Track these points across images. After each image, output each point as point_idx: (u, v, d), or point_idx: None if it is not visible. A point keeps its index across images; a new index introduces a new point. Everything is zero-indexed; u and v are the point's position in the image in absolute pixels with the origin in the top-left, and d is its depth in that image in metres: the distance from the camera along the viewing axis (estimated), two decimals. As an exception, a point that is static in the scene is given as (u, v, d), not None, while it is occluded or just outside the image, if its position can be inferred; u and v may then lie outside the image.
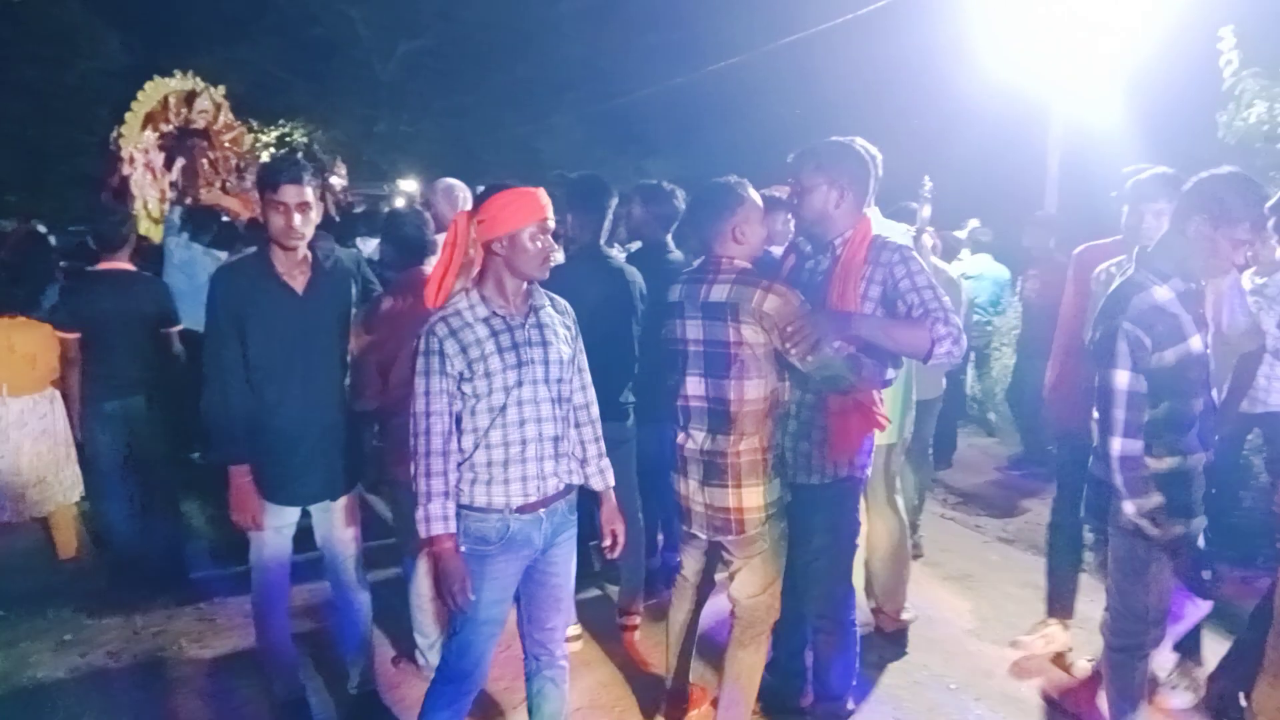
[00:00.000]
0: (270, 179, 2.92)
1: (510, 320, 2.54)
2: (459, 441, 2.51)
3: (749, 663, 3.02)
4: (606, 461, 2.83)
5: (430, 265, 3.75)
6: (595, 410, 2.80)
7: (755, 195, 2.94)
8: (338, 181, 11.83)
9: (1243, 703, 1.73)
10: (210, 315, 3.03)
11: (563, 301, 2.76)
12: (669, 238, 4.29)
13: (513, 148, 23.87)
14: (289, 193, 2.89)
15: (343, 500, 3.24)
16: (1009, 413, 7.76)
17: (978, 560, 4.73)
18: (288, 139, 22.46)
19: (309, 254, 3.08)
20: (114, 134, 10.90)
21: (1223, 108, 6.86)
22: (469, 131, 23.99)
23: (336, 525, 3.25)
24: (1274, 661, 1.57)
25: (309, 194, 2.93)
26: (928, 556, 5.14)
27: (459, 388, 2.48)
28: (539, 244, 2.49)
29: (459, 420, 2.51)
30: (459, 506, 2.53)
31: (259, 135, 20.06)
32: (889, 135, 4.09)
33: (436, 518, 2.47)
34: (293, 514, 3.19)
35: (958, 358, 2.72)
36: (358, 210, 10.86)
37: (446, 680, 2.64)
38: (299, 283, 3.06)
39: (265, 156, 17.63)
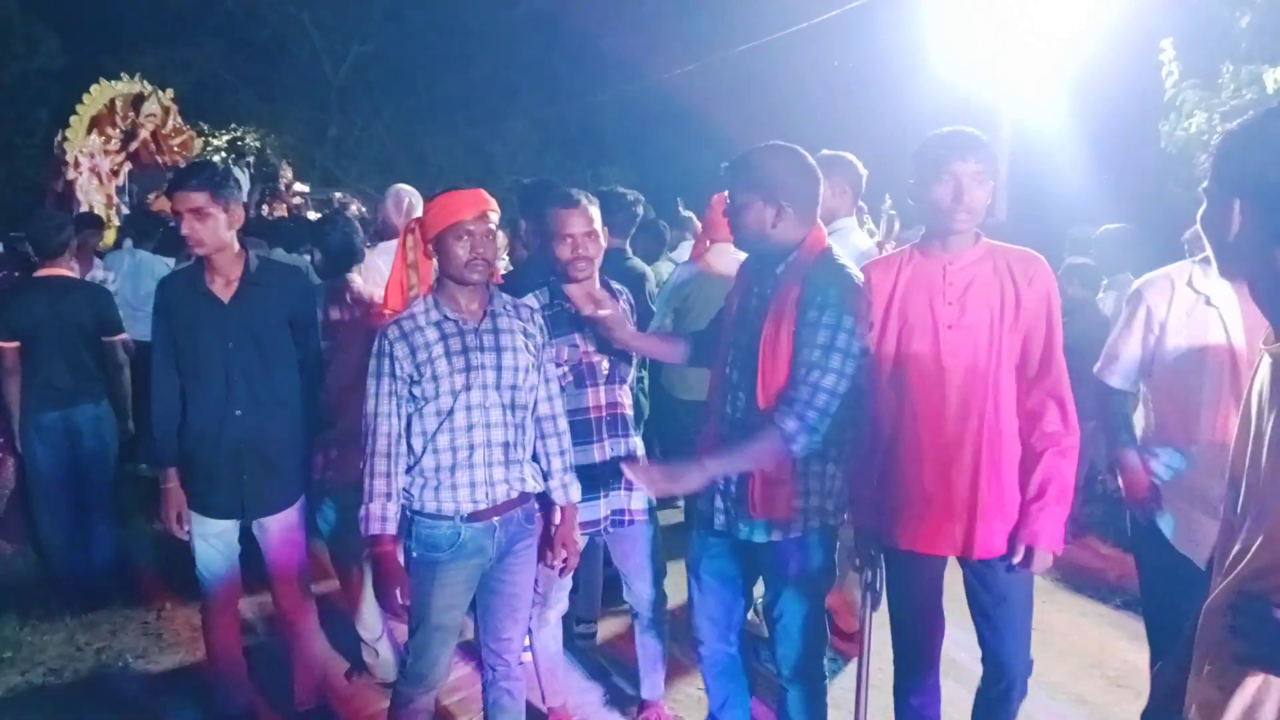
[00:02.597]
0: (169, 187, 2.98)
1: (463, 325, 2.55)
2: (409, 444, 2.54)
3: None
4: (572, 477, 2.77)
5: (358, 273, 3.71)
6: (564, 423, 2.75)
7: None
8: (299, 187, 11.69)
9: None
10: (153, 323, 3.09)
11: (529, 309, 2.74)
12: (627, 244, 4.29)
13: (466, 152, 23.73)
14: (179, 200, 2.89)
15: (277, 516, 3.13)
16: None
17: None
18: (239, 143, 22.09)
19: (244, 262, 3.02)
20: (58, 137, 10.66)
21: (1164, 117, 7.04)
22: (421, 136, 23.81)
23: (271, 541, 3.16)
24: (1199, 657, 1.61)
25: (199, 199, 2.87)
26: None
27: (409, 391, 2.51)
28: (462, 244, 2.47)
29: (409, 424, 2.53)
30: (412, 512, 2.55)
31: (209, 139, 19.71)
32: (842, 141, 4.13)
33: (375, 518, 2.50)
34: (223, 524, 3.10)
35: (799, 453, 2.38)
36: (312, 215, 10.70)
37: (406, 681, 2.67)
38: (226, 292, 3.00)
39: (216, 160, 17.34)
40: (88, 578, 4.45)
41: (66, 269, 4.40)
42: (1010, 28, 9.29)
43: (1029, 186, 9.22)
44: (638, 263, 4.29)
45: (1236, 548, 1.49)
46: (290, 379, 3.11)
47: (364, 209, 10.01)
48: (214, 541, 3.10)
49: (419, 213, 4.20)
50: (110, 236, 8.41)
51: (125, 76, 11.28)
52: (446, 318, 2.54)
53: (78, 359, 4.31)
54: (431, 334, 2.51)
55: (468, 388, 2.51)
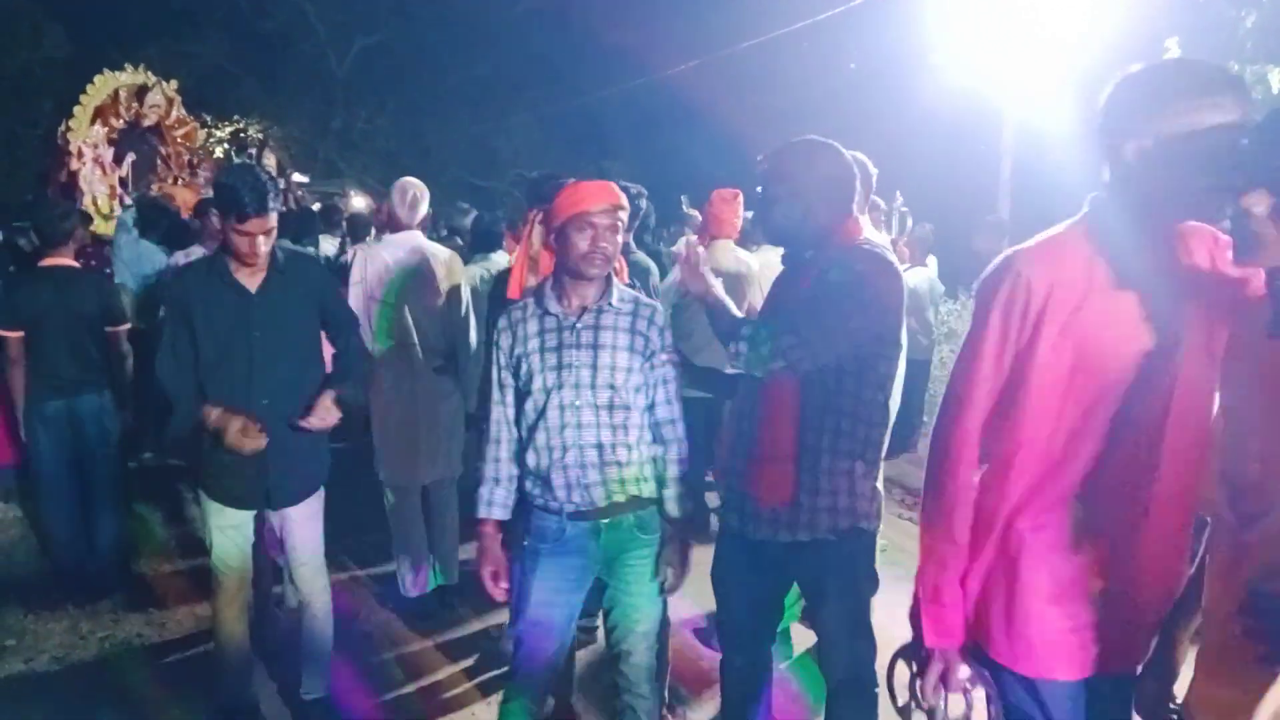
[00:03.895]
0: (236, 210, 2.81)
1: (563, 320, 2.47)
2: (519, 436, 2.54)
3: None
4: (682, 489, 2.57)
5: None
6: (678, 429, 2.57)
7: None
8: (298, 178, 11.66)
9: (1172, 704, 1.69)
10: (165, 314, 3.08)
11: (652, 307, 2.56)
12: (630, 238, 4.29)
13: (470, 147, 23.74)
14: (255, 224, 2.85)
15: (296, 507, 3.16)
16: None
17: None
18: (242, 135, 22.10)
19: (270, 253, 3.03)
20: (62, 127, 10.67)
21: (1168, 116, 7.02)
22: (426, 130, 23.81)
23: (291, 531, 3.19)
24: (1208, 660, 1.57)
25: (274, 220, 2.90)
26: (887, 556, 5.18)
27: (515, 381, 2.52)
28: (584, 236, 2.38)
29: (516, 418, 2.54)
30: (528, 502, 2.54)
31: (212, 130, 19.71)
32: (847, 139, 4.11)
33: (482, 500, 2.55)
34: (241, 515, 3.12)
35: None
36: (315, 207, 10.70)
37: (509, 676, 2.63)
38: (253, 282, 3.01)
39: (219, 152, 17.34)
40: (91, 566, 4.47)
41: (71, 258, 4.41)
42: (1016, 27, 9.27)
43: (1033, 186, 9.21)
44: (642, 257, 4.28)
45: (1232, 544, 1.49)
46: (312, 368, 3.13)
47: (372, 201, 10.02)
48: (232, 534, 3.11)
49: (424, 207, 4.19)
50: (111, 227, 8.41)
51: (129, 67, 11.28)
52: (548, 312, 2.47)
53: (82, 349, 4.31)
54: (532, 326, 2.49)
55: (559, 386, 2.43)
